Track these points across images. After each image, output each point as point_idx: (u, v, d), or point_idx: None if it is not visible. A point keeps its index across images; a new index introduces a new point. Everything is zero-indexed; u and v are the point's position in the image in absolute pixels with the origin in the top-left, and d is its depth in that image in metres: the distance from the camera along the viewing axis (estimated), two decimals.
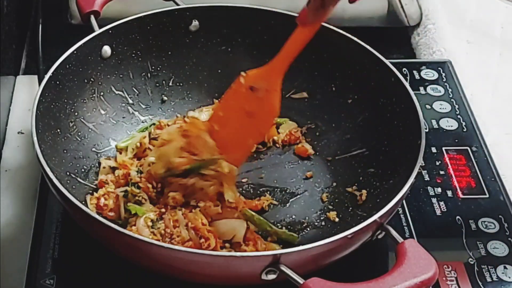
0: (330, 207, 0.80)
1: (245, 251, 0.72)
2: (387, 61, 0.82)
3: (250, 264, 0.63)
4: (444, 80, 0.97)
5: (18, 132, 0.90)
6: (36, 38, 1.01)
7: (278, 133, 0.88)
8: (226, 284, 0.68)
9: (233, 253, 0.65)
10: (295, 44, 0.72)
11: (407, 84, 0.79)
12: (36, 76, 0.95)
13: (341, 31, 0.85)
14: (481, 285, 0.73)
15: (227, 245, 0.73)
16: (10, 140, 0.89)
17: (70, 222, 0.73)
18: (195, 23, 0.88)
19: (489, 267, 0.75)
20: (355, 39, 0.84)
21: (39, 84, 0.77)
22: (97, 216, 0.66)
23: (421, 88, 0.96)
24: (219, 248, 0.72)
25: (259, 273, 0.63)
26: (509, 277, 0.74)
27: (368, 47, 0.83)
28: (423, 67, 0.99)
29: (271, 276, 0.63)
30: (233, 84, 0.76)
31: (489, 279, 0.74)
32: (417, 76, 0.97)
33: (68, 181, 0.76)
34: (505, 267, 0.75)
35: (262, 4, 0.88)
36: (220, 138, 0.75)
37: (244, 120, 0.74)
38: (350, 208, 0.79)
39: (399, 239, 0.65)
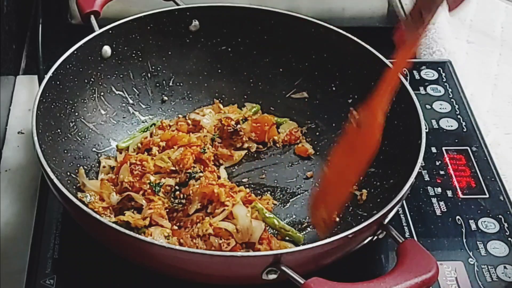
0: None
1: (259, 250, 0.72)
2: (387, 61, 0.81)
3: (251, 264, 0.63)
4: (444, 80, 0.97)
5: (18, 132, 0.90)
6: (36, 38, 1.01)
7: (278, 133, 0.88)
8: (227, 284, 0.68)
9: (233, 253, 0.65)
10: (397, 68, 0.69)
11: (407, 84, 0.79)
12: (36, 76, 0.95)
13: (341, 31, 0.85)
14: (481, 285, 0.73)
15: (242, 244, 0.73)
16: (10, 140, 0.89)
17: (70, 222, 0.73)
18: (195, 23, 0.88)
19: (489, 267, 0.75)
20: (355, 39, 0.84)
21: (39, 84, 0.77)
22: (97, 216, 0.66)
23: (421, 88, 0.96)
24: (238, 248, 0.71)
25: (260, 273, 0.63)
26: (509, 277, 0.74)
27: (368, 47, 0.83)
28: (423, 67, 0.99)
29: (272, 276, 0.63)
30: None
31: (489, 279, 0.74)
32: (417, 76, 0.97)
33: (69, 181, 0.76)
34: (505, 267, 0.75)
35: (262, 4, 0.88)
36: (328, 183, 0.73)
37: (349, 157, 0.72)
38: (351, 208, 0.78)
39: (400, 239, 0.65)
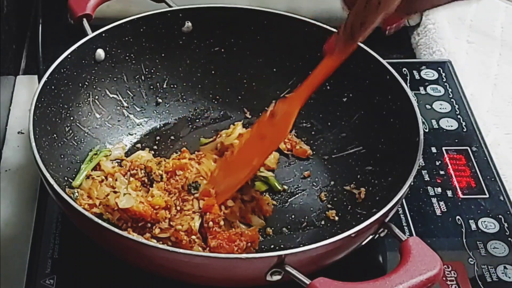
0: (329, 206, 0.80)
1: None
2: (381, 59, 0.81)
3: (255, 265, 0.62)
4: (444, 80, 0.97)
5: (18, 132, 0.90)
6: (36, 38, 1.01)
7: None
8: (230, 285, 0.68)
9: (238, 255, 0.64)
10: (321, 73, 0.71)
11: (402, 82, 0.79)
12: (36, 76, 0.95)
13: (334, 30, 0.84)
14: (481, 285, 0.73)
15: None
16: (10, 140, 0.89)
17: (70, 222, 0.73)
18: (188, 24, 0.88)
19: (489, 267, 0.75)
20: None
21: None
22: (97, 220, 0.65)
23: (421, 88, 0.96)
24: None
25: (264, 274, 0.62)
26: (509, 277, 0.74)
27: (363, 46, 0.82)
28: (423, 67, 0.99)
29: (276, 277, 0.63)
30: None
31: (489, 279, 0.74)
32: (417, 76, 0.97)
33: (66, 186, 0.76)
34: (505, 267, 0.75)
35: (262, 5, 0.88)
36: (229, 163, 0.76)
37: (257, 143, 0.75)
38: (349, 207, 0.79)
39: (403, 236, 0.65)
